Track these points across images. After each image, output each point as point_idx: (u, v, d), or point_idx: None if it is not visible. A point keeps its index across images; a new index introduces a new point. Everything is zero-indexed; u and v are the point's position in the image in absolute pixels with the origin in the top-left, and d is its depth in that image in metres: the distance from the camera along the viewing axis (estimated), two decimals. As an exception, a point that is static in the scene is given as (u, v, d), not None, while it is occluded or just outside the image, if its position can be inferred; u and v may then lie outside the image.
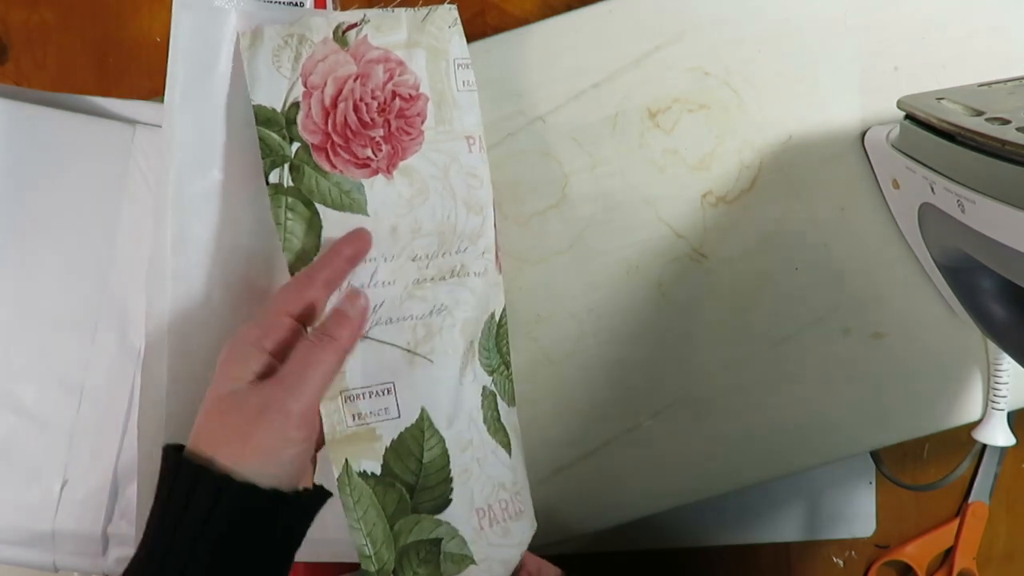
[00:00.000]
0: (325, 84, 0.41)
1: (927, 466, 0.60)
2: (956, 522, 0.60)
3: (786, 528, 0.60)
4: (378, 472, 0.40)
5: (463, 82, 0.44)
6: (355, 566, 0.48)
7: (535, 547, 0.49)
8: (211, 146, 0.43)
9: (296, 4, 0.47)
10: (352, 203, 0.42)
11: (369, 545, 0.39)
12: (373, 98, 0.42)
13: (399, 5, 0.44)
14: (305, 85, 0.41)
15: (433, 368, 0.41)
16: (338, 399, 0.40)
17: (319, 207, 0.41)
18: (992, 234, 0.33)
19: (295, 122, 0.41)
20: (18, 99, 0.47)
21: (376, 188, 0.42)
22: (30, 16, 0.50)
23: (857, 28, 0.48)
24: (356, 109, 0.42)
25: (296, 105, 0.41)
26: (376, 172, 0.42)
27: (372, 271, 0.41)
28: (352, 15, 0.42)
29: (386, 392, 0.41)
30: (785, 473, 0.49)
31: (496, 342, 0.45)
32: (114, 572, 0.46)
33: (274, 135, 0.41)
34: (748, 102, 0.48)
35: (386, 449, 0.40)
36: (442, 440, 0.41)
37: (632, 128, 0.48)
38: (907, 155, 0.41)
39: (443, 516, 0.41)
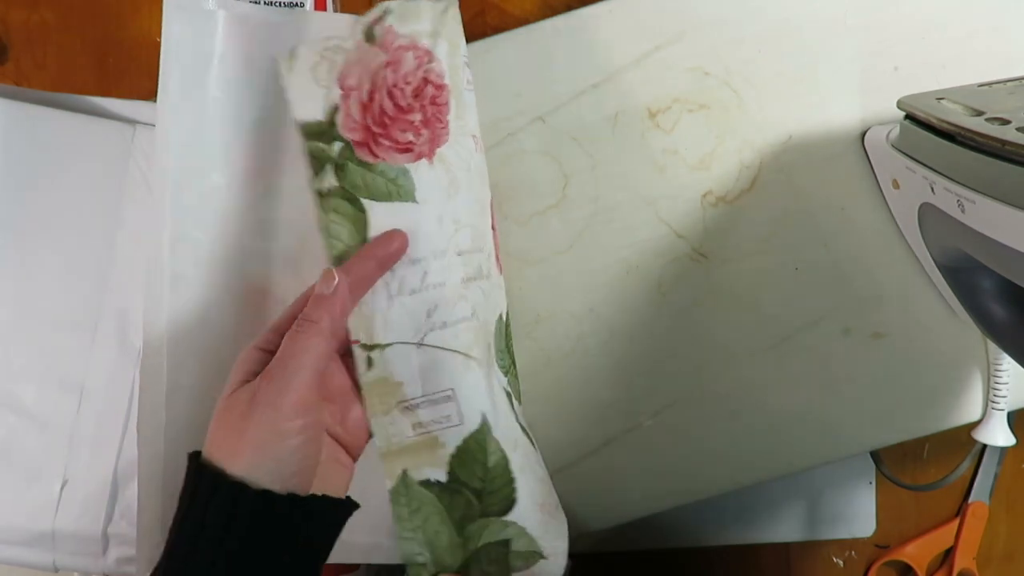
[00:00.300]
0: (362, 83, 0.40)
1: (927, 466, 0.60)
2: (956, 522, 0.60)
3: (786, 528, 0.60)
4: (443, 480, 0.40)
5: (467, 80, 0.43)
6: (354, 567, 0.48)
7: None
8: (209, 150, 0.43)
9: (296, 5, 0.47)
10: (399, 190, 0.40)
11: (427, 552, 0.39)
12: (407, 83, 0.40)
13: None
14: (342, 88, 0.41)
15: (482, 371, 0.41)
16: (393, 411, 0.40)
17: (365, 202, 0.40)
18: (992, 234, 0.33)
19: (335, 123, 0.40)
20: (18, 99, 0.47)
21: (421, 173, 0.41)
22: (30, 16, 0.50)
23: (857, 28, 0.48)
24: (391, 95, 0.40)
25: (335, 108, 0.41)
26: (420, 156, 0.41)
27: (423, 272, 0.40)
28: (375, 10, 0.41)
29: (447, 400, 0.40)
30: (785, 473, 0.49)
31: (506, 343, 0.45)
32: (114, 572, 0.46)
33: (320, 144, 0.40)
34: (748, 102, 0.48)
35: (450, 456, 0.40)
36: (498, 442, 0.41)
37: (632, 128, 0.48)
38: (907, 155, 0.41)
39: (510, 517, 0.41)
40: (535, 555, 0.42)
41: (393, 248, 0.39)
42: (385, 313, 0.39)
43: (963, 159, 0.34)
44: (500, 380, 0.44)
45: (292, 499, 0.35)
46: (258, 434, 0.34)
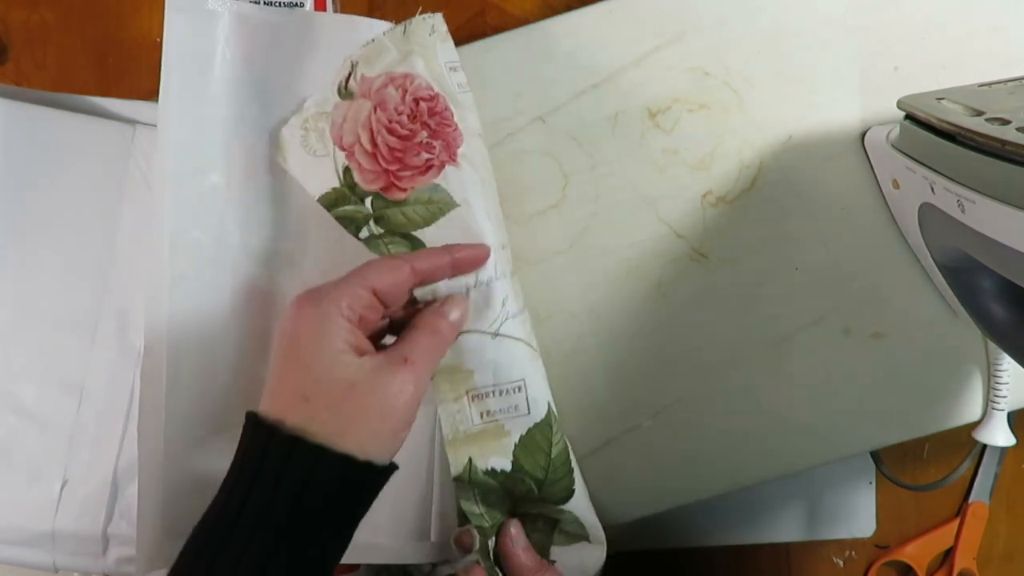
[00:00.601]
0: (359, 136, 0.42)
1: (927, 466, 0.60)
2: (956, 522, 0.60)
3: (786, 528, 0.60)
4: (508, 469, 0.41)
5: (457, 84, 0.44)
6: (355, 567, 0.48)
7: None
8: (208, 150, 0.43)
9: (296, 5, 0.47)
10: (439, 205, 0.41)
11: (485, 514, 0.41)
12: (399, 113, 0.42)
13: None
14: (343, 148, 0.42)
15: (540, 361, 0.42)
16: (464, 399, 0.41)
17: (416, 233, 0.41)
18: (992, 234, 0.33)
19: (354, 183, 0.42)
20: (18, 99, 0.47)
21: (450, 178, 0.42)
22: (30, 16, 0.50)
23: (857, 28, 0.48)
24: (392, 132, 0.42)
25: (347, 169, 0.42)
26: (442, 166, 0.42)
27: (493, 263, 0.41)
28: (342, 68, 0.43)
29: (517, 390, 0.41)
30: (785, 473, 0.49)
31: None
32: (114, 572, 0.46)
33: (348, 208, 0.42)
34: (748, 102, 0.48)
35: (515, 445, 0.41)
36: (562, 432, 0.42)
37: (632, 128, 0.48)
38: (907, 155, 0.41)
39: (567, 506, 0.42)
40: (580, 537, 0.43)
41: (472, 256, 0.40)
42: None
43: (963, 159, 0.34)
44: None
45: (368, 466, 0.34)
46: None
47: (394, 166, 0.42)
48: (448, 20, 0.45)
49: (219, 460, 0.36)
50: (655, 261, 0.48)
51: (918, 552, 0.60)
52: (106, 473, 0.46)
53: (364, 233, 0.42)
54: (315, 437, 0.33)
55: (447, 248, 0.39)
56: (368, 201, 0.42)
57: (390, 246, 0.42)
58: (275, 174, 0.45)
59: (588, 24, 0.48)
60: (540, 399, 0.42)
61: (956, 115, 0.35)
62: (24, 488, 0.46)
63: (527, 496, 0.42)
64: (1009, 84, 0.38)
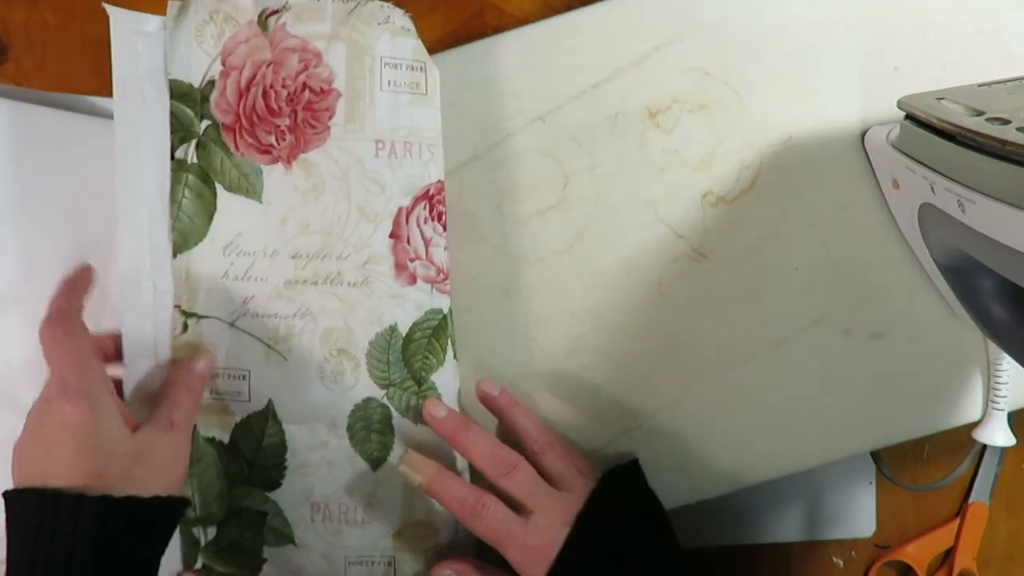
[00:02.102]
0: (244, 66, 0.43)
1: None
2: (956, 522, 0.60)
3: (786, 528, 0.60)
4: (226, 441, 0.45)
5: (389, 82, 0.44)
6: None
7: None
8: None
9: None
10: (249, 187, 0.44)
11: (196, 495, 0.45)
12: (283, 86, 0.43)
13: None
14: (224, 64, 0.43)
15: (286, 366, 0.45)
16: None
17: (218, 187, 0.43)
18: (992, 234, 0.33)
19: (208, 100, 0.43)
20: (18, 99, 0.47)
21: (274, 176, 0.43)
22: (30, 16, 0.50)
23: (857, 28, 0.48)
24: (265, 95, 0.43)
25: (212, 83, 0.43)
26: (276, 160, 0.43)
27: (249, 265, 0.44)
28: (277, 0, 0.43)
29: (241, 377, 0.45)
30: (785, 473, 0.49)
31: (403, 355, 0.45)
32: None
33: (187, 110, 0.43)
34: (748, 102, 0.48)
35: (235, 425, 0.45)
36: (282, 431, 0.45)
37: (632, 128, 0.48)
38: (907, 155, 0.41)
39: (272, 495, 0.45)
40: (287, 538, 0.45)
41: (78, 280, 0.43)
42: (209, 290, 0.44)
43: (963, 159, 0.34)
44: (363, 390, 0.45)
45: (161, 501, 0.40)
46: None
47: (246, 124, 0.43)
48: (448, 20, 0.45)
49: None
50: (655, 261, 0.48)
51: (918, 552, 0.60)
52: (106, 473, 0.46)
53: (180, 153, 0.43)
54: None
55: (58, 290, 0.42)
56: (205, 124, 0.43)
57: (187, 191, 0.43)
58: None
59: (588, 24, 0.48)
60: (262, 393, 0.45)
61: (956, 115, 0.35)
62: (24, 488, 0.45)
63: (239, 476, 0.45)
64: (1009, 84, 0.38)
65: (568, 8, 0.49)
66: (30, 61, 0.50)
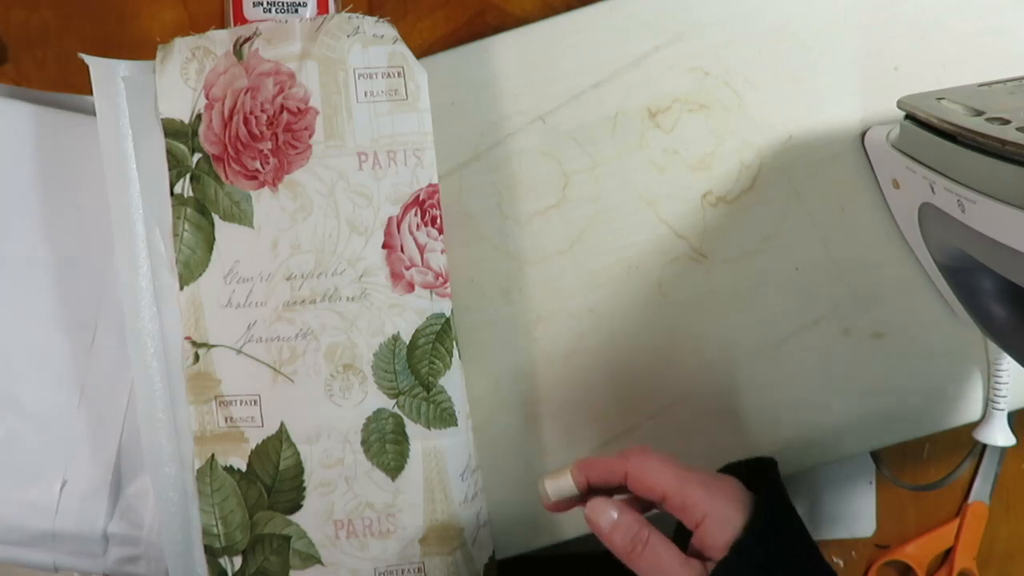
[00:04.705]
0: (225, 96, 0.44)
1: (927, 466, 0.60)
2: (956, 522, 0.60)
3: (786, 528, 0.60)
4: (244, 469, 0.45)
5: (365, 93, 0.43)
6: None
7: (537, 550, 0.49)
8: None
9: (300, 6, 0.48)
10: (241, 214, 0.44)
11: (219, 525, 0.45)
12: (263, 111, 0.44)
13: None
14: (207, 97, 0.44)
15: (294, 388, 0.45)
16: (212, 402, 0.45)
17: (215, 216, 0.44)
18: (992, 234, 0.33)
19: (198, 133, 0.44)
20: (18, 99, 0.47)
21: (263, 201, 0.44)
22: (30, 16, 0.50)
23: (857, 28, 0.48)
24: (246, 122, 0.44)
25: (199, 117, 0.44)
26: (263, 184, 0.44)
27: (248, 291, 0.44)
28: (248, 28, 0.44)
29: (253, 403, 0.45)
30: (785, 473, 0.49)
31: (409, 363, 0.45)
32: (114, 572, 0.46)
33: (181, 146, 0.44)
34: (748, 102, 0.48)
35: (251, 451, 0.45)
36: (297, 453, 0.45)
37: (632, 128, 0.48)
38: (907, 155, 0.41)
39: (293, 518, 0.45)
40: (312, 559, 0.45)
41: None
42: (215, 318, 0.45)
43: (963, 159, 0.34)
44: (373, 402, 0.45)
45: None
46: None
47: (232, 152, 0.44)
48: (448, 20, 0.45)
49: None
50: (655, 261, 0.48)
51: (918, 552, 0.60)
52: (106, 473, 0.46)
53: (178, 188, 0.44)
54: None
55: None
56: (196, 157, 0.44)
57: (186, 224, 0.44)
58: None
59: (588, 24, 0.48)
60: (274, 416, 0.45)
61: (956, 115, 0.35)
62: (24, 488, 0.46)
63: (259, 502, 0.45)
64: (1009, 84, 0.38)
65: (568, 8, 0.49)
66: (30, 61, 0.50)
